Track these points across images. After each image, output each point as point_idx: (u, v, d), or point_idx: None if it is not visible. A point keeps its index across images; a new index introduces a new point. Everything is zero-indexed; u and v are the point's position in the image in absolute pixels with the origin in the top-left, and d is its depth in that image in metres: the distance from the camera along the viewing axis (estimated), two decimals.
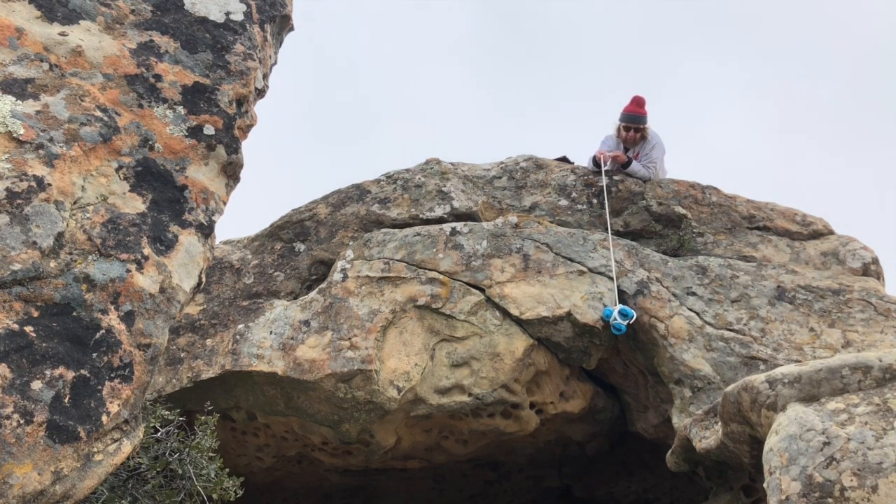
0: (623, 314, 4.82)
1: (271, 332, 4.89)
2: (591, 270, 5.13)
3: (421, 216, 5.60)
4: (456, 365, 4.86)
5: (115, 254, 2.44)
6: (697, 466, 4.61)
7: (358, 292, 5.00)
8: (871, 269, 5.35)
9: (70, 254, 2.36)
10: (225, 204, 2.93)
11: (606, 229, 5.48)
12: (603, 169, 5.88)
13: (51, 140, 2.47)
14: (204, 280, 2.79)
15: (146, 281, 2.47)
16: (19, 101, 2.50)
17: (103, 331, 2.31)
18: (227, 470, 3.78)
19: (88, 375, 2.23)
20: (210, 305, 5.32)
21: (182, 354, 4.99)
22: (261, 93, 3.23)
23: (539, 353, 5.02)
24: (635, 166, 5.98)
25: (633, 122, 6.03)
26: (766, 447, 3.35)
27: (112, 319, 2.34)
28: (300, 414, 4.95)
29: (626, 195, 5.82)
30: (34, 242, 2.28)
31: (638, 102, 6.08)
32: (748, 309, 4.99)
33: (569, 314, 4.92)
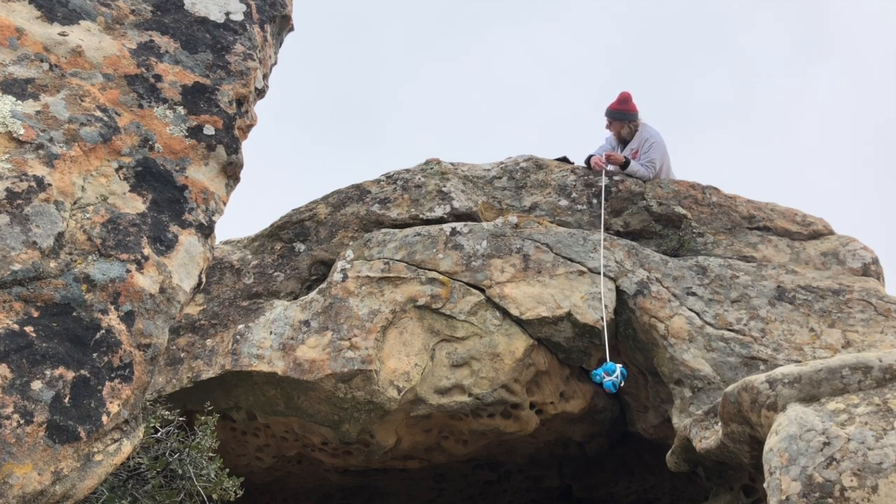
0: (624, 375, 4.49)
1: (271, 333, 4.89)
2: (591, 270, 5.13)
3: (421, 216, 5.60)
4: (456, 365, 4.86)
5: (115, 254, 2.44)
6: (697, 466, 4.61)
7: (358, 292, 5.00)
8: (871, 269, 5.35)
9: (70, 254, 2.37)
10: (225, 204, 2.93)
11: (603, 230, 5.48)
12: (604, 172, 5.91)
13: (51, 140, 2.47)
14: (204, 280, 2.79)
15: (146, 281, 2.47)
16: (19, 101, 2.50)
17: (103, 331, 2.31)
18: (227, 470, 3.78)
19: (88, 375, 2.23)
20: (210, 305, 5.32)
21: (182, 354, 4.99)
22: (261, 93, 3.23)
23: (539, 353, 5.02)
24: (634, 166, 6.01)
25: (610, 116, 6.34)
26: (766, 447, 3.35)
27: (112, 319, 2.34)
28: (300, 414, 4.95)
29: (626, 195, 5.82)
30: (34, 242, 2.28)
31: (619, 98, 6.35)
32: (748, 309, 4.99)
33: (569, 314, 4.92)
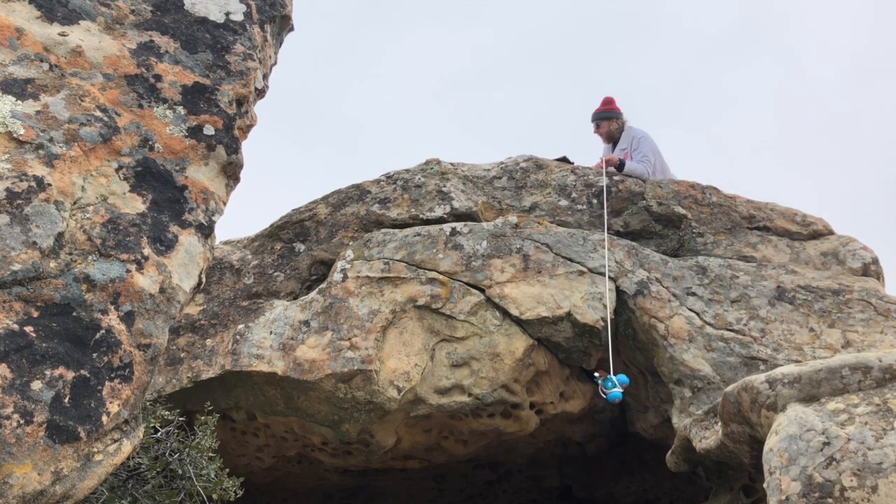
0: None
1: (271, 332, 4.89)
2: (591, 270, 5.13)
3: (421, 216, 5.60)
4: (456, 365, 4.86)
5: (115, 254, 2.44)
6: (697, 466, 4.61)
7: (358, 292, 5.00)
8: (871, 269, 5.35)
9: (70, 254, 2.37)
10: (225, 204, 2.93)
11: (605, 230, 5.49)
12: (604, 172, 5.98)
13: (51, 140, 2.47)
14: (204, 280, 2.79)
15: (146, 281, 2.47)
16: (19, 101, 2.50)
17: (103, 331, 2.31)
18: (227, 470, 3.78)
19: (88, 375, 2.23)
20: (210, 305, 5.32)
21: (182, 354, 4.99)
22: (261, 93, 3.23)
23: (539, 353, 5.02)
24: (630, 165, 6.05)
25: (597, 118, 6.60)
26: (766, 447, 3.35)
27: (112, 319, 2.34)
28: (300, 414, 4.95)
29: (626, 195, 5.82)
30: (34, 242, 2.28)
31: (603, 101, 6.62)
32: (748, 309, 4.99)
33: (569, 314, 4.92)
